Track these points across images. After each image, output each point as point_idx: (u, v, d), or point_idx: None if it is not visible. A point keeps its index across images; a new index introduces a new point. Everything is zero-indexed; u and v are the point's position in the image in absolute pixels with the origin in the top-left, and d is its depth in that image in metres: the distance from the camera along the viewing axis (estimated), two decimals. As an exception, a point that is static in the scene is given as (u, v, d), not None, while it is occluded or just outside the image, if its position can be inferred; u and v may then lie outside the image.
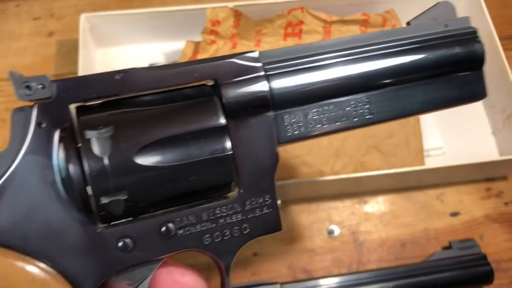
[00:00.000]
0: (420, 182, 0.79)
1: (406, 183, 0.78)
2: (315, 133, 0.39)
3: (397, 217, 0.78)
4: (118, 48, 0.86)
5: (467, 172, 0.78)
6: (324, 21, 0.80)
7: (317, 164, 0.76)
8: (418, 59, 0.40)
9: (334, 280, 0.70)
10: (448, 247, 0.74)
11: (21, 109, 0.35)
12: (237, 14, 0.79)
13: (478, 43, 0.41)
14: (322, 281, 0.70)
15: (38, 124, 0.34)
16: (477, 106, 0.86)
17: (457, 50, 0.41)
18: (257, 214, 0.37)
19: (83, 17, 0.79)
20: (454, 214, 0.78)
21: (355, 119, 0.39)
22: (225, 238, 0.37)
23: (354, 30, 0.81)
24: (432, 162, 0.79)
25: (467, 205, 0.79)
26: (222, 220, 0.36)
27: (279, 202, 0.38)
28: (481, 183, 0.81)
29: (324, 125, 0.39)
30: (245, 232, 0.37)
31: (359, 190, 0.79)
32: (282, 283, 0.69)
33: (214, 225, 0.36)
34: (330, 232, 0.77)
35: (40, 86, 0.33)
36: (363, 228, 0.77)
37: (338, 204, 0.79)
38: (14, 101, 0.88)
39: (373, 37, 0.40)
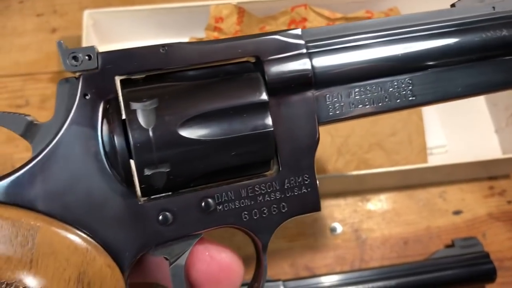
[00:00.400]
0: (423, 180, 0.79)
1: (408, 181, 0.78)
2: (357, 114, 0.38)
3: (399, 215, 0.78)
4: (121, 45, 0.85)
5: (470, 170, 0.78)
6: (328, 18, 0.80)
7: (319, 161, 0.76)
8: (464, 41, 0.39)
9: (336, 278, 0.70)
10: (451, 245, 0.74)
11: (66, 80, 0.35)
12: (241, 11, 0.79)
13: None
14: (324, 279, 0.70)
15: (84, 95, 0.34)
16: (480, 104, 0.86)
17: (504, 33, 0.40)
18: (296, 193, 0.37)
19: (86, 13, 0.79)
20: (457, 212, 0.78)
21: (397, 101, 0.39)
22: (264, 215, 0.36)
23: (358, 28, 0.81)
24: (435, 160, 0.79)
25: (470, 203, 0.79)
26: (260, 198, 0.36)
27: (318, 182, 0.38)
28: (484, 182, 0.81)
29: (366, 105, 0.38)
30: (283, 211, 0.37)
31: (361, 187, 0.79)
32: (284, 280, 0.69)
33: (252, 202, 0.36)
34: (333, 230, 0.77)
35: (87, 57, 0.34)
36: (365, 226, 0.77)
37: (340, 201, 0.79)
38: (16, 97, 0.88)
39: (418, 18, 0.40)
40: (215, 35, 0.79)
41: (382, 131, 0.77)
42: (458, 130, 0.82)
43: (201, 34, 0.79)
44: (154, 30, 0.84)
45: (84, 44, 0.76)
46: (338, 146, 0.76)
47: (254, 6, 0.79)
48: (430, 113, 0.82)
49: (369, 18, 0.81)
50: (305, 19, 0.80)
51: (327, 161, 0.75)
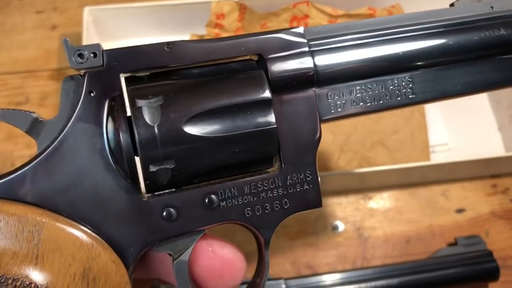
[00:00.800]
0: (425, 178, 0.79)
1: (411, 179, 0.78)
2: (358, 111, 0.39)
3: (401, 213, 0.78)
4: (122, 42, 0.86)
5: (472, 168, 0.77)
6: (330, 15, 0.80)
7: (321, 159, 0.75)
8: (462, 40, 0.40)
9: (338, 276, 0.69)
10: (454, 244, 0.74)
11: (71, 77, 0.36)
12: (242, 7, 0.78)
13: None
14: (326, 277, 0.69)
15: (89, 92, 0.34)
16: (483, 102, 0.86)
17: (502, 32, 0.41)
18: (298, 190, 0.37)
19: (86, 10, 0.78)
20: (460, 211, 0.78)
21: (398, 98, 0.39)
22: (266, 212, 0.37)
23: (360, 25, 0.80)
24: (437, 158, 0.79)
25: (473, 202, 0.79)
26: (263, 194, 0.37)
27: (319, 179, 0.38)
28: (487, 180, 0.80)
29: (367, 103, 0.39)
30: (285, 207, 0.37)
31: (363, 185, 0.78)
32: (286, 279, 0.68)
33: (255, 198, 0.37)
34: (335, 228, 0.76)
35: (92, 54, 0.34)
36: (367, 224, 0.77)
37: (342, 199, 0.78)
38: (16, 94, 0.88)
39: (418, 17, 0.41)
40: (216, 32, 0.78)
41: (384, 129, 0.77)
42: (460, 127, 0.82)
43: (202, 31, 0.79)
44: (155, 27, 0.84)
45: (85, 41, 0.76)
46: (340, 144, 0.76)
47: (255, 2, 0.79)
48: (433, 110, 0.81)
49: (371, 15, 0.80)
50: (307, 16, 0.79)
51: (329, 159, 0.75)
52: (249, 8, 0.79)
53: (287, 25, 0.80)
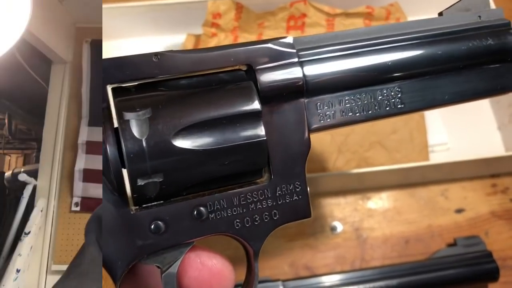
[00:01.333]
0: (424, 178, 0.78)
1: (410, 179, 0.77)
2: (347, 121, 0.39)
3: (400, 214, 0.77)
4: (117, 42, 0.85)
5: (472, 168, 0.77)
6: (327, 14, 0.79)
7: (319, 159, 0.75)
8: (450, 50, 0.40)
9: (336, 278, 0.69)
10: (453, 244, 0.73)
11: None
12: (239, 6, 0.78)
13: (511, 35, 0.41)
14: (324, 279, 0.69)
15: None
16: (483, 101, 0.84)
17: (489, 41, 0.41)
18: (288, 201, 0.37)
19: (82, 9, 0.78)
20: (459, 211, 0.77)
21: (387, 108, 0.39)
22: (256, 223, 0.36)
23: (358, 23, 0.80)
24: (436, 157, 0.78)
25: (472, 202, 0.78)
26: (252, 206, 0.36)
27: (308, 189, 0.38)
28: (487, 179, 0.80)
29: (356, 113, 0.39)
30: (275, 218, 0.37)
31: (362, 186, 0.78)
32: (284, 280, 0.68)
33: (245, 210, 0.36)
34: (333, 229, 0.76)
35: None
36: (366, 225, 0.76)
37: (340, 200, 0.78)
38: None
39: (407, 26, 0.40)
40: (212, 31, 0.78)
41: (382, 129, 0.76)
42: (460, 127, 0.81)
43: (199, 31, 0.78)
44: (151, 27, 0.83)
45: (80, 41, 0.75)
46: (338, 144, 0.75)
47: (252, 1, 0.78)
48: (432, 110, 0.80)
49: (369, 13, 0.79)
50: (304, 15, 0.79)
51: (327, 159, 0.75)
52: (246, 7, 0.78)
53: (284, 25, 0.79)
